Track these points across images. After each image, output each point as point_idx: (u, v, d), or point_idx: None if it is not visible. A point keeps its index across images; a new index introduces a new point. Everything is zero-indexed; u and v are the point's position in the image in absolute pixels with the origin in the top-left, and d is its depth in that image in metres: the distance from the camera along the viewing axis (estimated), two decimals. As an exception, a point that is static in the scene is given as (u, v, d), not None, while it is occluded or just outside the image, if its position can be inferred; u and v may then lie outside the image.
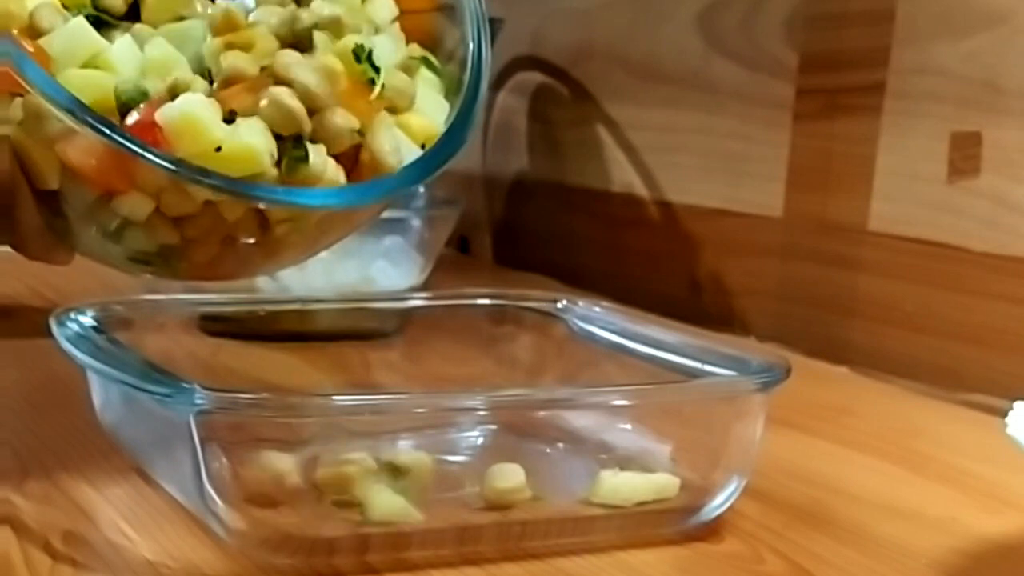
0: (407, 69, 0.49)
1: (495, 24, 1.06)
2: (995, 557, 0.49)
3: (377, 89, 0.47)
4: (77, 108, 0.43)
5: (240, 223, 0.47)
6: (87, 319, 0.50)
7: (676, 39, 0.97)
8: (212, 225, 0.47)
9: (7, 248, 0.51)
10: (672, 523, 0.48)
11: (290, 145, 0.45)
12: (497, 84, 1.18)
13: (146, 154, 0.43)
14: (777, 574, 0.46)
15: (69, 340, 0.47)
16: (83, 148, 0.45)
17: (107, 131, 0.43)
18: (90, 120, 0.43)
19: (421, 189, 1.00)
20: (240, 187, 0.45)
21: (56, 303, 0.52)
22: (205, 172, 0.44)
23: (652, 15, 1.00)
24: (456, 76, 0.50)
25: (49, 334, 0.48)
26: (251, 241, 0.48)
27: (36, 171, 0.46)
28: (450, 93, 0.50)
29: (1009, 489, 0.56)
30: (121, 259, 0.50)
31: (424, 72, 0.50)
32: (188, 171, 0.44)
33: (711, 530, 0.49)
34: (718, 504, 0.49)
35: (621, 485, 0.48)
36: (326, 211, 0.48)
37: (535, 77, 1.14)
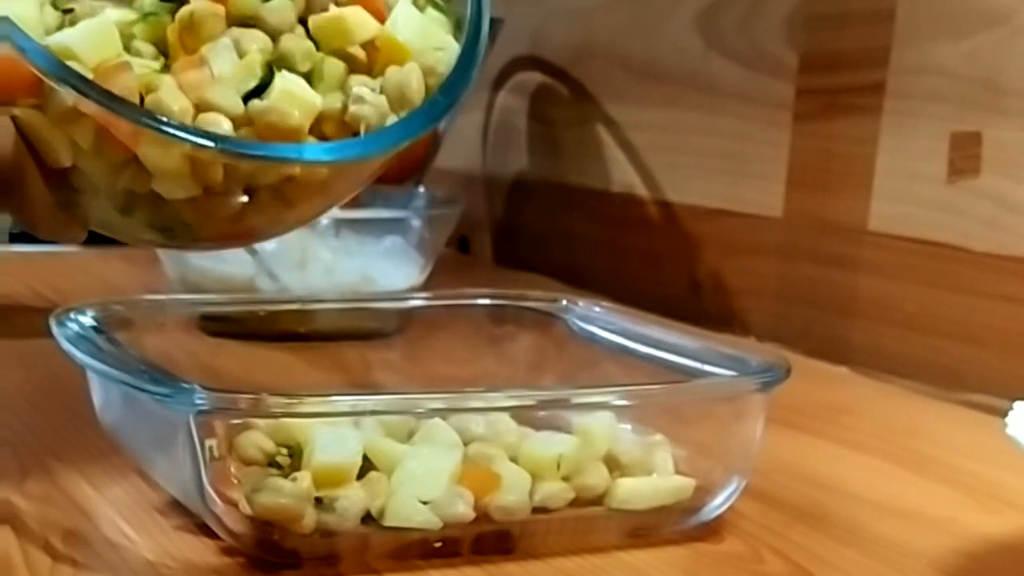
0: (416, 5, 0.50)
1: (495, 24, 1.06)
2: (995, 557, 0.49)
3: None
4: (82, 84, 0.44)
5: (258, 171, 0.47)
6: (87, 319, 0.50)
7: (676, 39, 0.97)
8: (233, 174, 0.47)
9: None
10: (672, 523, 0.48)
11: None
12: (497, 84, 1.19)
13: (154, 123, 0.44)
14: (777, 574, 0.46)
15: (69, 340, 0.47)
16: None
17: (112, 103, 0.44)
18: (95, 94, 0.44)
19: (420, 189, 1.01)
20: (248, 148, 0.45)
21: (56, 303, 0.52)
22: (215, 137, 0.45)
23: (652, 15, 1.00)
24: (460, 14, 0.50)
25: (49, 334, 0.48)
26: (271, 192, 0.48)
27: (48, 150, 0.47)
28: (457, 31, 0.50)
29: (1009, 489, 0.56)
30: (138, 229, 0.50)
31: (431, 12, 0.50)
32: (197, 135, 0.44)
33: (711, 530, 0.49)
34: (718, 504, 0.49)
35: (639, 489, 0.47)
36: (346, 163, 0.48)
37: (535, 77, 1.14)
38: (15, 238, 1.04)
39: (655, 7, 1.00)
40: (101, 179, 0.48)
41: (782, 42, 0.88)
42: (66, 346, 0.47)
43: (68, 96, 0.44)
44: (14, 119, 0.46)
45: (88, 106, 0.44)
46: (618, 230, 1.05)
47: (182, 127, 0.45)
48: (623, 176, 1.03)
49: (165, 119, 0.44)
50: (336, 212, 0.84)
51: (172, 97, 0.45)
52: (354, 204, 0.89)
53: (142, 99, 0.45)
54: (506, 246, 1.21)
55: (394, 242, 0.84)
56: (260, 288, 0.78)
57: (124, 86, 0.45)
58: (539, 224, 1.16)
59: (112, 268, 0.97)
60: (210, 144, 0.45)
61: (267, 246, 0.80)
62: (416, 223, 0.86)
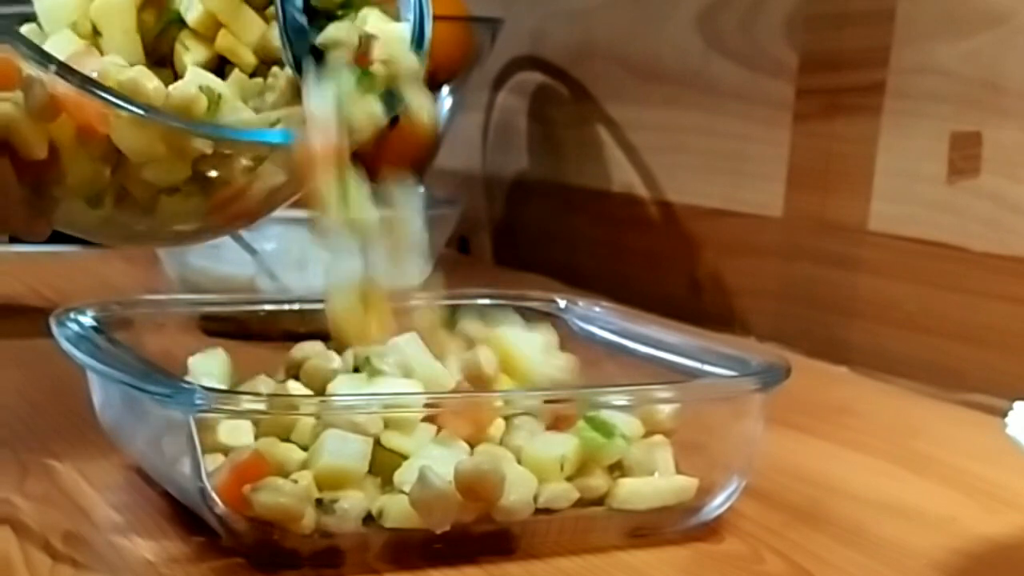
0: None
1: (495, 24, 1.06)
2: (995, 557, 0.49)
3: None
4: (61, 67, 0.46)
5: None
6: (87, 319, 0.50)
7: (676, 39, 0.97)
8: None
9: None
10: (673, 523, 0.48)
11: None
12: (497, 84, 1.18)
13: (124, 104, 0.47)
14: (777, 574, 0.46)
15: (69, 340, 0.47)
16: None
17: (86, 86, 0.46)
18: (72, 76, 0.46)
19: (421, 189, 1.01)
20: (220, 132, 0.49)
21: (56, 303, 0.52)
22: (194, 122, 0.48)
23: (652, 15, 1.00)
24: None
25: (49, 334, 0.48)
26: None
27: (25, 143, 0.48)
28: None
29: (1009, 489, 0.56)
30: (106, 226, 0.52)
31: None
32: (164, 118, 0.48)
33: (711, 530, 0.49)
34: (718, 504, 0.49)
35: (641, 489, 0.47)
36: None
37: (535, 77, 1.14)
38: (15, 238, 1.04)
39: (655, 7, 1.00)
40: (83, 173, 0.49)
41: (782, 42, 0.88)
42: (66, 346, 0.47)
43: (45, 79, 0.45)
44: None
45: (63, 88, 0.46)
46: (618, 230, 1.05)
47: (148, 108, 0.47)
48: (623, 176, 1.03)
49: (133, 102, 0.46)
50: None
51: (145, 76, 0.48)
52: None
53: None
54: (506, 246, 1.21)
55: (394, 242, 0.84)
56: (260, 288, 0.78)
57: (91, 69, 0.46)
58: (539, 224, 1.16)
59: (112, 268, 0.97)
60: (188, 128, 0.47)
61: (267, 246, 0.80)
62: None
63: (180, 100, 0.49)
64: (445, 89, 1.04)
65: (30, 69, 0.46)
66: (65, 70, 0.46)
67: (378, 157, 0.97)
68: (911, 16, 0.78)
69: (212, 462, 0.43)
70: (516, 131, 1.18)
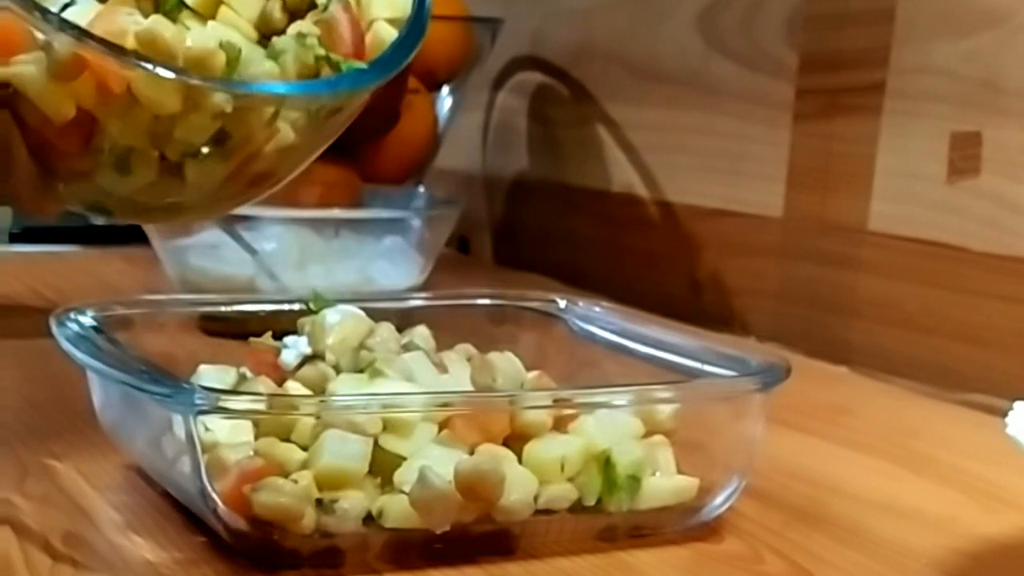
0: None
1: (495, 24, 1.07)
2: (995, 557, 0.49)
3: None
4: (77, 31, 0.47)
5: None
6: (87, 319, 0.50)
7: (676, 39, 0.97)
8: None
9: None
10: (673, 523, 0.48)
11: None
12: (497, 84, 1.19)
13: (138, 61, 0.47)
14: (777, 574, 0.46)
15: (69, 340, 0.47)
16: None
17: (103, 46, 0.47)
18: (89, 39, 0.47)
19: (420, 189, 1.01)
20: (232, 85, 0.49)
21: (56, 303, 0.52)
22: (213, 79, 0.49)
23: (652, 15, 1.00)
24: None
25: (49, 334, 0.48)
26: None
27: (52, 106, 0.49)
28: None
29: (1009, 489, 0.56)
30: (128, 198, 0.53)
31: None
32: (182, 74, 0.48)
33: (711, 530, 0.49)
34: (718, 504, 0.49)
35: (643, 489, 0.47)
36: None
37: (535, 77, 1.14)
38: (15, 238, 1.04)
39: (655, 7, 1.00)
40: (122, 131, 0.49)
41: (782, 42, 0.88)
42: (66, 346, 0.47)
43: (62, 43, 0.47)
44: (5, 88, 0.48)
45: (84, 49, 0.47)
46: (618, 230, 1.05)
47: (164, 64, 0.48)
48: (623, 176, 1.03)
49: (148, 60, 0.47)
50: (336, 212, 0.84)
51: (162, 25, 0.49)
52: (354, 204, 0.89)
53: None
54: (506, 246, 1.21)
55: (394, 242, 0.84)
56: (260, 288, 0.78)
57: (107, 30, 0.47)
58: (539, 224, 1.16)
59: (112, 268, 0.97)
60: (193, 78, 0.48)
61: (267, 246, 0.80)
62: (416, 223, 0.86)
63: (199, 53, 0.49)
64: (445, 89, 1.04)
65: (40, 33, 0.47)
66: (72, 28, 0.46)
67: (378, 158, 0.97)
68: (911, 16, 0.78)
69: (217, 467, 0.43)
70: (516, 131, 1.18)
